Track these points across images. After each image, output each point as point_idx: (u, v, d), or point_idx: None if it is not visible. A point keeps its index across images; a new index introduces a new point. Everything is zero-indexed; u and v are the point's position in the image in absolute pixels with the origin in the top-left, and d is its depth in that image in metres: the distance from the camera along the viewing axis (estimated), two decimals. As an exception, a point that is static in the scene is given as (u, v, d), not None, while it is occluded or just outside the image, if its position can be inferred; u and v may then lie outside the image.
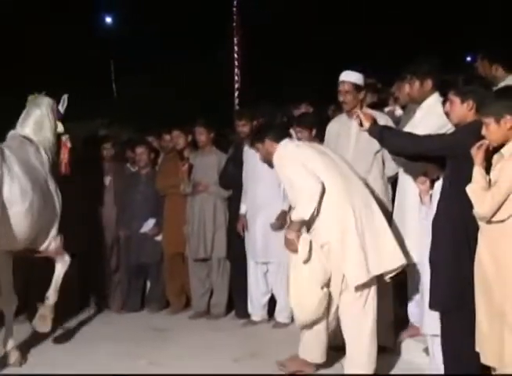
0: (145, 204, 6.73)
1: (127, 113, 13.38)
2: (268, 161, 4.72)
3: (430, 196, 4.15)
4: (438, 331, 3.98)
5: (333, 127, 5.29)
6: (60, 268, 5.34)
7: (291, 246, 4.38)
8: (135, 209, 6.76)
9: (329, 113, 6.54)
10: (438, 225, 3.78)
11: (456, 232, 3.64)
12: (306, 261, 4.32)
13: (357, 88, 5.02)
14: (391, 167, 4.97)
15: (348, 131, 5.07)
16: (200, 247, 6.32)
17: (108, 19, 19.44)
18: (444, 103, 4.04)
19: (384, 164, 5.04)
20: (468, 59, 14.69)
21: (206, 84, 15.45)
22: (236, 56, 14.33)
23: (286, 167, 4.46)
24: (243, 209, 6.03)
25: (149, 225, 6.68)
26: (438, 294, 3.74)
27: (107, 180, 6.91)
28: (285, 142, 4.63)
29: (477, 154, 3.41)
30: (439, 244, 3.76)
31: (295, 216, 4.39)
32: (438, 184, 4.05)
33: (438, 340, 4.01)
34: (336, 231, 4.30)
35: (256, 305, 6.09)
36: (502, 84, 4.78)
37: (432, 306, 3.81)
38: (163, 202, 6.69)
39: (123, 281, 6.86)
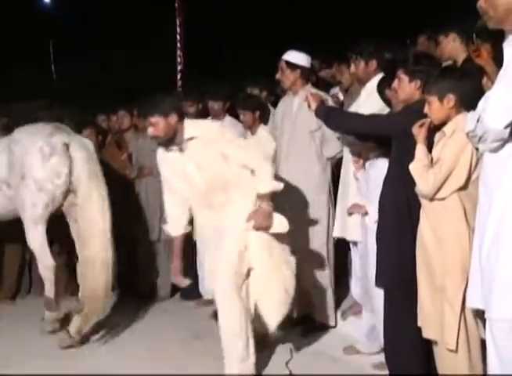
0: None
1: (68, 95, 13.12)
2: None
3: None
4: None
5: (280, 107, 5.34)
6: None
7: (268, 220, 4.13)
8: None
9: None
10: (384, 203, 3.84)
11: (399, 210, 3.70)
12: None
13: (291, 66, 5.04)
14: (331, 147, 5.03)
15: (290, 111, 5.13)
16: (149, 230, 6.30)
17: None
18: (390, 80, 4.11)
19: (322, 144, 5.07)
20: (408, 42, 14.83)
21: (147, 64, 15.27)
22: (178, 37, 14.18)
23: None
24: None
25: None
26: (383, 271, 3.81)
27: None
28: None
29: (420, 133, 3.47)
30: (384, 223, 3.83)
31: (266, 189, 4.13)
32: (374, 164, 4.20)
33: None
34: None
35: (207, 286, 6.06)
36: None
37: (377, 283, 3.88)
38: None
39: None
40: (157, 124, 4.12)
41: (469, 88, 3.40)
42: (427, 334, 3.48)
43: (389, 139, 3.85)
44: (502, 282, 2.82)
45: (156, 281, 6.46)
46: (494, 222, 2.87)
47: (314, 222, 5.01)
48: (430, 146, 3.46)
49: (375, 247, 3.98)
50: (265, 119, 5.65)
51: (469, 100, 3.28)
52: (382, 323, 4.08)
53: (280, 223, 4.17)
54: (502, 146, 2.85)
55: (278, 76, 5.12)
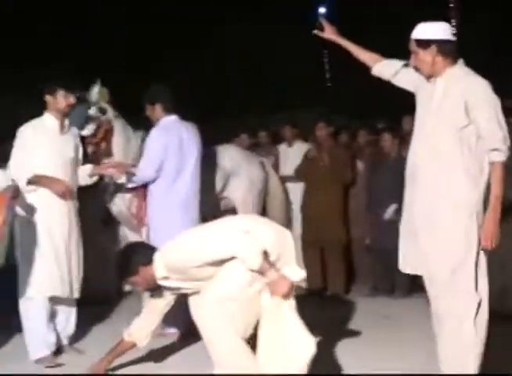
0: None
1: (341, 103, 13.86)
2: None
3: None
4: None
5: (421, 93, 3.92)
6: None
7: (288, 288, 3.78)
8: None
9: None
10: None
11: None
12: None
13: (423, 44, 3.74)
14: (498, 150, 3.57)
15: (430, 100, 3.78)
16: None
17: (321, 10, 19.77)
18: None
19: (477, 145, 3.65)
20: None
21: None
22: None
23: None
24: None
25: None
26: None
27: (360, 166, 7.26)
28: None
29: None
30: None
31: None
32: None
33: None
34: None
35: None
36: None
37: None
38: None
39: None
40: None
41: None
42: None
43: None
44: None
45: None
46: None
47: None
48: None
49: None
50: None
51: None
52: None
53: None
54: None
55: (412, 62, 3.85)
